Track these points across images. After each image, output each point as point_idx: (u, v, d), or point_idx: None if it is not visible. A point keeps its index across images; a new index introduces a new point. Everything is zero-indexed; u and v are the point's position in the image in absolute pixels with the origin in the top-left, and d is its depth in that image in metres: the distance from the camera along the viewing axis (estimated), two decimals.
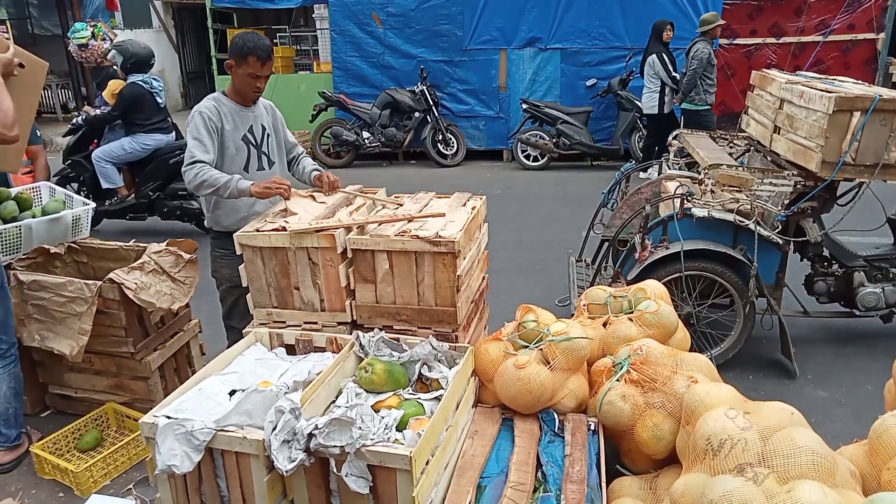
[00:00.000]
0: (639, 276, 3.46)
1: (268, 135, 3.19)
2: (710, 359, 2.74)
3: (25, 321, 3.26)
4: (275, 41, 11.96)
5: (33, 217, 3.40)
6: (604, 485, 2.17)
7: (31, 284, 3.19)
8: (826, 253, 3.93)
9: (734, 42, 9.20)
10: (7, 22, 12.44)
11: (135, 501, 2.85)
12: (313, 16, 11.17)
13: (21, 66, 2.71)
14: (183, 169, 2.91)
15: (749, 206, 3.47)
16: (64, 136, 7.14)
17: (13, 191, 3.55)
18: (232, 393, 2.23)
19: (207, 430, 1.96)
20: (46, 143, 4.90)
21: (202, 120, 2.96)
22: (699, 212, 3.46)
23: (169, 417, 2.02)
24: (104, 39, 8.06)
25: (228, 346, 3.25)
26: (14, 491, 2.99)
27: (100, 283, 3.09)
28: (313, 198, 3.00)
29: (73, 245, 3.52)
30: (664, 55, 7.83)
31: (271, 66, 3.04)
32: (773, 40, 9.26)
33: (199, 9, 13.47)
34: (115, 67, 7.59)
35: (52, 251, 3.40)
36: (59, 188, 3.76)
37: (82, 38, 7.89)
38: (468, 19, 9.56)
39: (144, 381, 3.32)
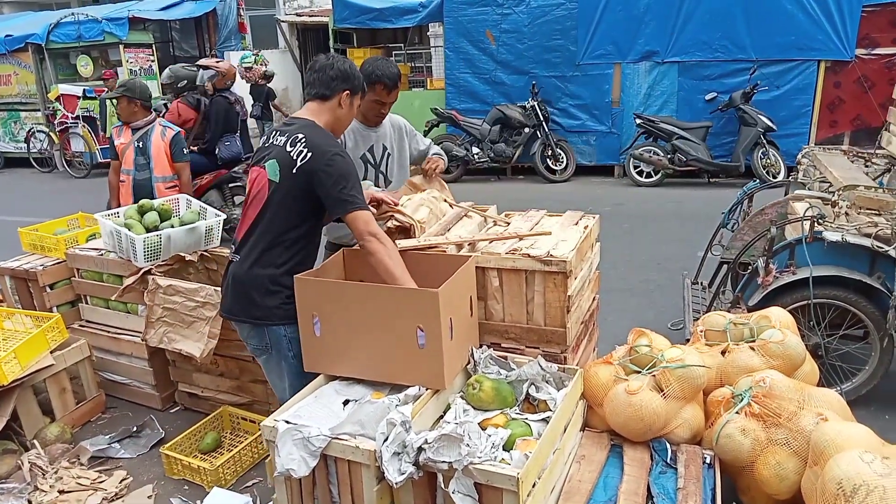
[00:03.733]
0: (761, 303, 3.27)
1: (388, 154, 3.28)
2: (841, 394, 2.54)
3: (155, 324, 3.53)
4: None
5: (172, 227, 3.69)
6: None
7: (168, 289, 3.45)
8: None
9: (873, 52, 8.54)
10: (153, 45, 13.61)
11: (251, 498, 3.01)
12: (428, 34, 11.49)
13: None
14: None
15: (889, 231, 3.20)
16: None
17: (156, 202, 3.88)
18: (345, 402, 2.30)
19: (323, 437, 2.04)
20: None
21: None
22: (832, 235, 3.22)
23: (288, 422, 2.12)
24: (262, 65, 10.78)
25: None
26: (147, 480, 3.23)
27: None
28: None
29: (205, 253, 3.78)
30: None
31: (397, 94, 3.09)
32: None
33: (321, 29, 14.18)
34: (269, 86, 10.93)
35: (186, 258, 3.68)
36: (194, 200, 4.06)
37: (249, 62, 10.80)
38: (582, 34, 9.47)
39: (263, 385, 3.49)
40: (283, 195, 2.43)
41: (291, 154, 2.40)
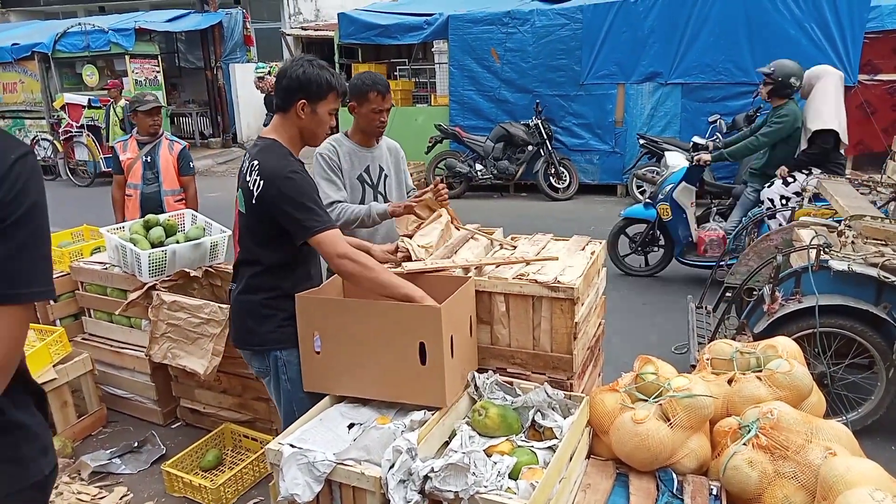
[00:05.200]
0: (767, 330, 3.27)
1: (385, 175, 3.29)
2: (846, 424, 2.52)
3: (159, 339, 3.52)
4: (395, 74, 12.45)
5: (177, 242, 3.69)
6: None
7: (172, 305, 3.45)
8: None
9: (876, 78, 8.59)
10: (158, 56, 13.68)
11: None
12: (432, 50, 11.54)
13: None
14: None
15: None
16: None
17: (161, 217, 3.88)
18: (350, 426, 2.29)
19: (328, 462, 2.03)
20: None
21: (324, 161, 3.11)
22: (838, 265, 3.23)
23: (293, 446, 2.11)
24: (275, 77, 11.33)
25: None
26: (147, 497, 3.21)
27: None
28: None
29: (209, 269, 3.78)
30: None
31: (391, 99, 3.12)
32: None
33: (326, 43, 14.27)
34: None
35: (191, 274, 3.67)
36: (200, 215, 4.07)
37: (260, 73, 11.47)
38: (586, 54, 9.54)
39: (266, 403, 3.49)
40: (252, 225, 2.41)
41: (250, 184, 2.34)
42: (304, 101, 2.35)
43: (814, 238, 3.40)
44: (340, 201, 3.04)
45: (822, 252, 3.29)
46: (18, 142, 1.22)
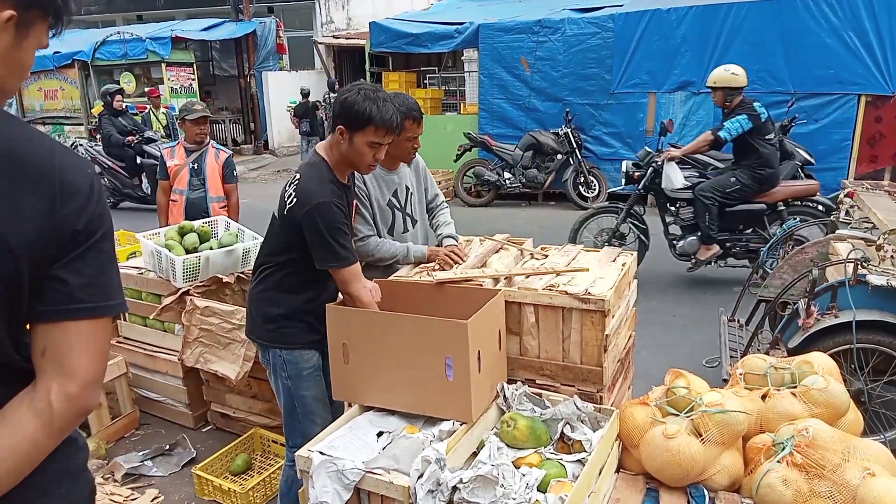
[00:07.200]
0: (801, 345, 3.20)
1: (411, 194, 3.22)
2: (885, 443, 2.47)
3: (191, 344, 3.58)
4: (424, 82, 12.53)
5: (211, 249, 3.75)
6: None
7: (205, 310, 3.50)
8: None
9: None
10: (193, 64, 13.95)
11: None
12: (462, 58, 11.60)
13: None
14: (356, 243, 2.88)
15: None
16: None
17: (196, 223, 3.95)
18: (379, 434, 2.30)
19: (357, 470, 2.04)
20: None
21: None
22: (876, 279, 3.15)
23: (322, 453, 2.12)
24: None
25: None
26: (178, 499, 3.26)
27: None
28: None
29: (241, 275, 3.84)
30: None
31: (421, 125, 3.02)
32: None
33: (356, 51, 14.40)
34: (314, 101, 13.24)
35: (224, 280, 3.73)
36: (233, 222, 4.13)
37: (290, 108, 12.53)
38: (617, 63, 9.48)
39: None
40: (277, 229, 2.54)
41: (285, 195, 2.45)
42: (342, 126, 2.38)
43: (851, 252, 3.33)
44: (370, 235, 2.99)
45: (859, 266, 3.22)
46: (83, 158, 1.25)
